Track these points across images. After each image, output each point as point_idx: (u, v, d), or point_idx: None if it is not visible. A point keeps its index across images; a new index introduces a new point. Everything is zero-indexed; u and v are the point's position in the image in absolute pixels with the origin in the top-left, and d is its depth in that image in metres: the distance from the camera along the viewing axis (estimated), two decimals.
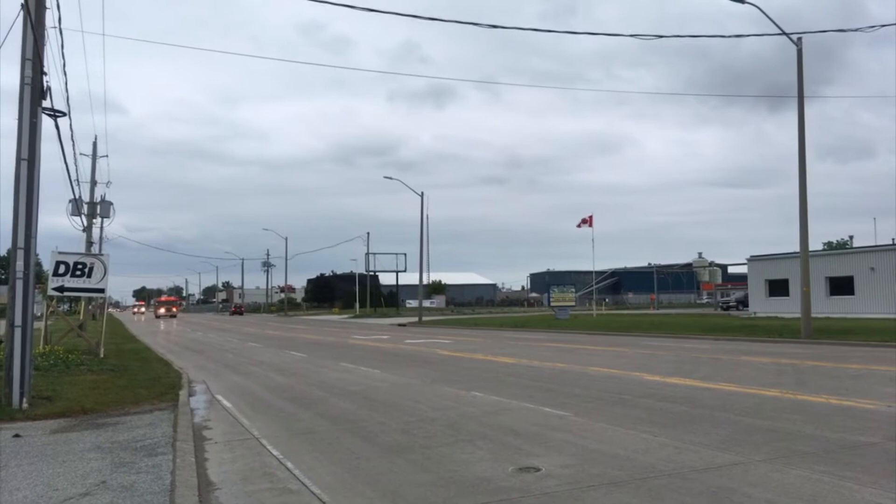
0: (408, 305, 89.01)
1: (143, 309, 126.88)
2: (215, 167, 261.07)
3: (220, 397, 12.97)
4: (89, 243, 33.45)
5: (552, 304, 49.44)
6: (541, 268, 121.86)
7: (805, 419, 9.02)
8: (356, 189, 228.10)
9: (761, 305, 44.96)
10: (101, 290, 18.02)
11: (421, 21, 15.48)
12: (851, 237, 75.06)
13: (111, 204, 34.67)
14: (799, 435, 8.04)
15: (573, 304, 50.47)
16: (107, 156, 36.76)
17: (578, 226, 49.86)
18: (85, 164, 34.11)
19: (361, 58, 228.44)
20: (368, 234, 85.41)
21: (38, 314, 19.07)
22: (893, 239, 52.56)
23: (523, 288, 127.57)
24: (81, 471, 6.90)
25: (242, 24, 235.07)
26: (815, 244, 40.51)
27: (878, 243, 53.13)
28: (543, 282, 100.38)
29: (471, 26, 18.20)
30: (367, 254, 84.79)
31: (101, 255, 20.44)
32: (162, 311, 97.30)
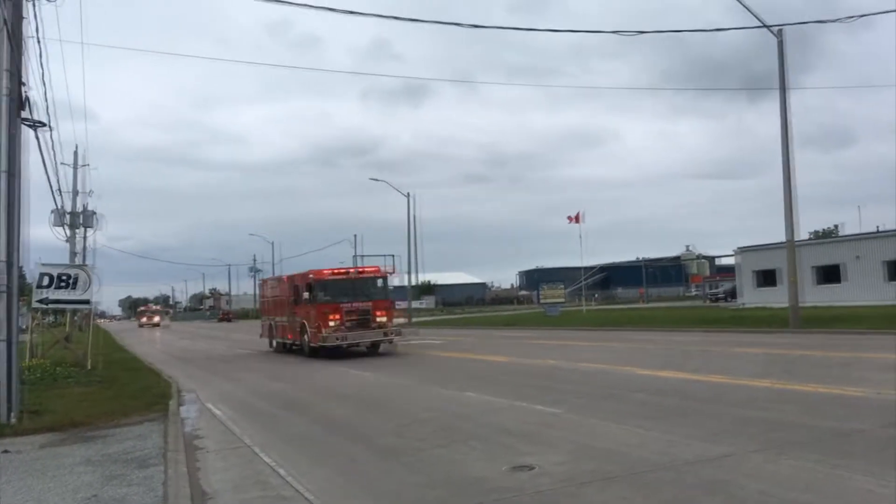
0: (397, 307, 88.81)
1: (155, 318, 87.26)
2: (193, 172, 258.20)
3: (210, 406, 12.88)
4: (73, 254, 33.18)
5: (542, 301, 49.50)
6: (530, 265, 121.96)
7: (796, 409, 9.06)
8: (340, 191, 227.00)
9: (750, 296, 45.20)
10: (87, 301, 17.88)
11: (391, 18, 15.27)
12: (837, 226, 75.48)
13: (94, 213, 34.45)
14: (790, 425, 8.07)
15: (563, 300, 50.56)
16: (88, 165, 36.42)
17: (569, 220, 49.79)
18: (66, 173, 33.80)
19: (331, 56, 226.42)
20: (356, 236, 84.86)
21: (24, 327, 18.87)
22: (878, 227, 53.05)
23: (513, 286, 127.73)
24: (72, 485, 6.82)
25: (208, 26, 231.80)
26: (801, 234, 40.70)
27: (863, 231, 53.56)
28: (533, 279, 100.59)
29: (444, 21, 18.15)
30: (355, 256, 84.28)
31: (86, 265, 20.28)
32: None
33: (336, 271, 22.91)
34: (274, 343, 26.81)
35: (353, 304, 21.64)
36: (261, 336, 28.82)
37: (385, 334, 21.97)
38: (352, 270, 23.62)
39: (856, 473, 5.90)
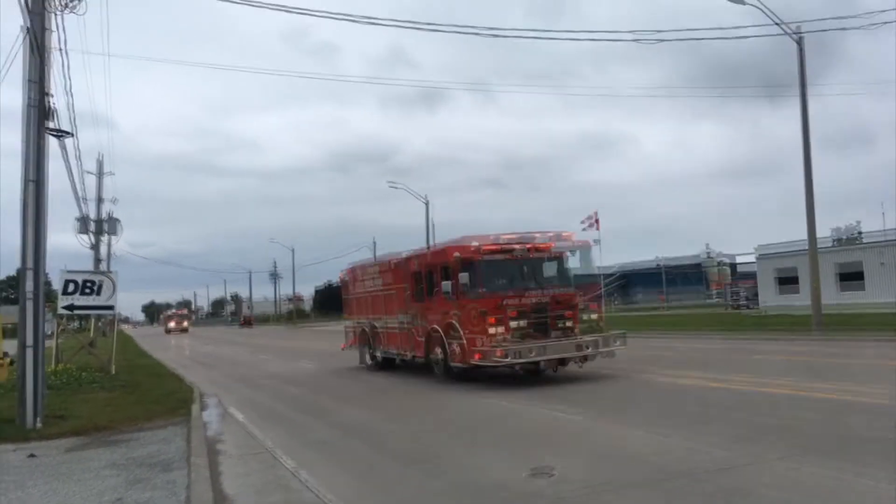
0: None
1: (184, 323, 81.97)
2: (212, 179, 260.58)
3: (232, 410, 13.01)
4: (97, 260, 33.63)
5: None
6: None
7: (819, 415, 8.97)
8: (358, 197, 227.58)
9: (771, 300, 44.72)
10: (111, 307, 18.14)
11: (410, 27, 14.88)
12: (859, 222, 74.34)
13: (118, 221, 34.91)
14: (814, 431, 7.99)
15: None
16: (113, 173, 36.95)
17: (583, 227, 49.36)
18: (89, 181, 34.30)
19: (347, 64, 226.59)
20: (375, 241, 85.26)
21: (49, 333, 19.17)
22: None
23: None
24: (97, 488, 6.93)
25: (221, 35, 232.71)
26: (823, 232, 40.13)
27: (887, 228, 52.73)
28: None
29: (462, 29, 18.19)
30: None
31: (110, 272, 20.54)
32: None
33: (506, 242, 14.29)
34: (378, 356, 18.80)
35: (543, 295, 13.95)
36: (347, 345, 21.37)
37: (590, 346, 13.65)
38: (529, 243, 14.46)
39: (880, 481, 5.84)
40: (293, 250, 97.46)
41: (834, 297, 36.81)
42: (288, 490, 6.89)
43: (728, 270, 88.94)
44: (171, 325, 79.82)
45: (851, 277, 40.52)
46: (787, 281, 43.95)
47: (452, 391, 13.64)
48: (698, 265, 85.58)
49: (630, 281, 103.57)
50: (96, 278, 17.60)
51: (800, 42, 23.86)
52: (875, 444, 7.21)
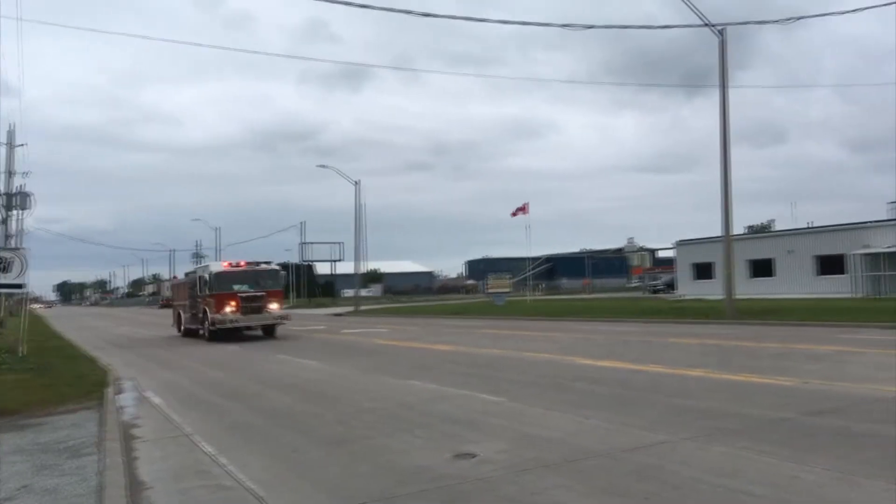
0: (344, 295, 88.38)
1: (272, 305, 25.46)
2: (125, 153, 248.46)
3: (149, 394, 12.62)
4: (7, 237, 31.92)
5: (489, 290, 49.94)
6: (475, 254, 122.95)
7: (729, 398, 9.41)
8: (284, 177, 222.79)
9: (688, 288, 46.57)
10: (21, 286, 17.24)
11: (342, 3, 14.66)
12: (773, 220, 78.07)
13: (29, 195, 33.16)
14: (723, 413, 8.39)
15: (509, 290, 51.08)
16: (24, 144, 35.04)
17: (513, 214, 49.99)
18: None
19: (264, 36, 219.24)
20: (303, 223, 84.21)
21: None
22: (809, 223, 55.13)
23: (460, 275, 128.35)
24: (2, 475, 6.62)
25: (136, 1, 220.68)
26: (737, 228, 42.23)
27: (797, 226, 55.57)
28: (480, 269, 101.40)
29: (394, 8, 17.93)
30: (302, 243, 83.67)
31: (20, 248, 19.53)
32: None
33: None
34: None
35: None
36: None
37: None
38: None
39: (783, 460, 6.18)
40: (218, 229, 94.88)
41: (746, 287, 38.60)
42: (207, 475, 6.75)
43: (648, 257, 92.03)
44: (231, 308, 25.04)
45: (762, 268, 42.59)
46: (703, 270, 45.84)
47: (381, 376, 13.70)
48: (620, 250, 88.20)
49: (556, 267, 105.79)
50: (6, 255, 16.69)
51: (722, 34, 24.70)
52: (780, 425, 7.63)
